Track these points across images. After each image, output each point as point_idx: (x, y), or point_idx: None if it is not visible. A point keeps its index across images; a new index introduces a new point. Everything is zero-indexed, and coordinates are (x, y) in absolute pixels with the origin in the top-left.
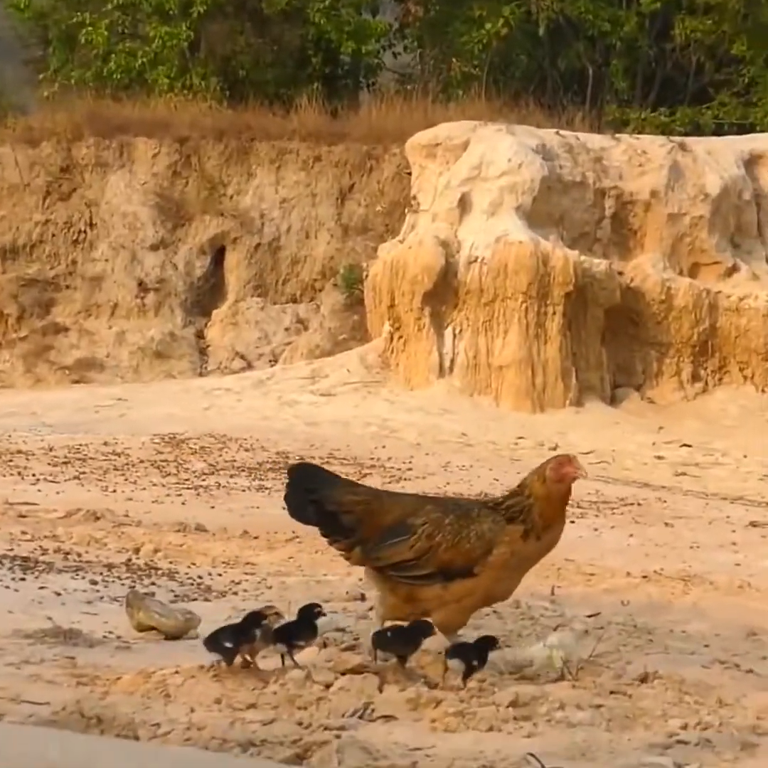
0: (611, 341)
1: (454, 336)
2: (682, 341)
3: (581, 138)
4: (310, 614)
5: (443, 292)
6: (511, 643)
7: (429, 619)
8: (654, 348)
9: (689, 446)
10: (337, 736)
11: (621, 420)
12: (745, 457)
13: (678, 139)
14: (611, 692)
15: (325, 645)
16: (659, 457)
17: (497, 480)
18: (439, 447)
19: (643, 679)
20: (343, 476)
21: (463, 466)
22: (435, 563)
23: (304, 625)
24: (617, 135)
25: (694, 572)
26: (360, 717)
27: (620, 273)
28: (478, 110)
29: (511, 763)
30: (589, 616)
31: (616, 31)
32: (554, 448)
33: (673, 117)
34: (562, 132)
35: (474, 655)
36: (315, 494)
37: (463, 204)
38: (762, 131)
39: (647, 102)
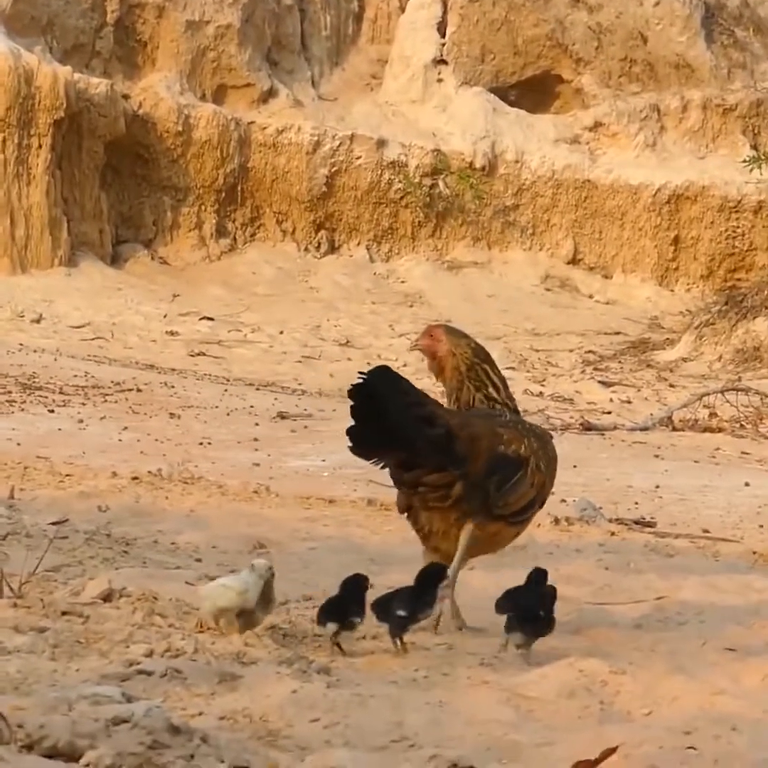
0: (114, 184)
1: None
2: (204, 185)
3: None
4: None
5: None
6: None
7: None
8: (168, 193)
9: (211, 319)
10: None
11: (125, 285)
12: (281, 333)
13: None
14: (63, 613)
15: None
16: (172, 333)
17: None
18: None
19: (106, 597)
20: None
21: None
22: (540, 499)
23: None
24: None
25: (199, 473)
26: None
27: (126, 96)
28: None
29: None
30: (53, 524)
31: None
32: (37, 320)
33: None
34: None
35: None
36: (420, 409)
37: None
38: None
39: None
